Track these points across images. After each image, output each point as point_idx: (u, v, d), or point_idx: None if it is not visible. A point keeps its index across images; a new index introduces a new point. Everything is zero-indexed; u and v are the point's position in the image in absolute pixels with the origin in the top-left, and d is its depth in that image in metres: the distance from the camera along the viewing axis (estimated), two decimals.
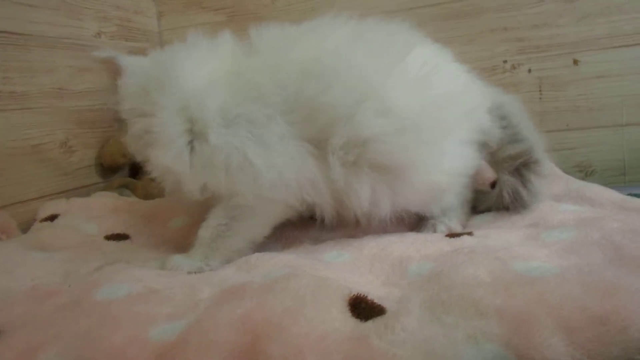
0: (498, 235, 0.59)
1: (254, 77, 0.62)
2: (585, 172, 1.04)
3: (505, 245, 0.53)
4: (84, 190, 1.00)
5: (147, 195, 1.01)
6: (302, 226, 0.71)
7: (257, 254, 0.59)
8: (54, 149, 0.95)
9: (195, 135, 0.61)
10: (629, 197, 0.68)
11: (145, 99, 0.63)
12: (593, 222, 0.55)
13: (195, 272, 0.57)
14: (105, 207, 0.87)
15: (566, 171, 1.02)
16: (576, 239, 0.52)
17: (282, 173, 0.60)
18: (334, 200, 0.63)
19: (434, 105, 0.61)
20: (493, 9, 1.04)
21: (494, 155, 0.71)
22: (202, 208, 0.64)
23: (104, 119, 1.07)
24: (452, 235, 0.62)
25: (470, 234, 0.62)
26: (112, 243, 0.71)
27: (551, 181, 0.78)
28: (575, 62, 1.02)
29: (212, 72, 0.64)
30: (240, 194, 0.60)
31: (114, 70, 0.68)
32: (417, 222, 0.72)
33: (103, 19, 1.09)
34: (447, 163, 0.64)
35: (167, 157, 0.61)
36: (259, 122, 0.60)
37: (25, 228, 0.82)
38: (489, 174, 0.78)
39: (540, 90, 1.05)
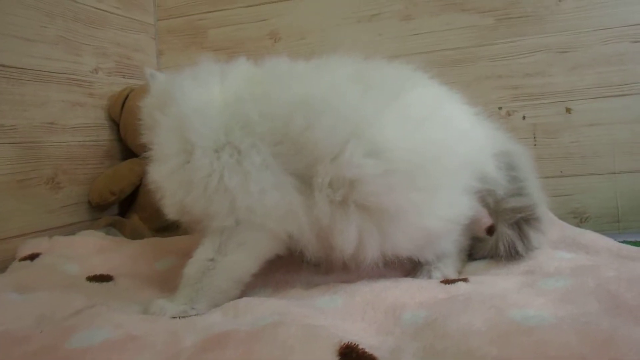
0: (494, 282, 0.59)
1: (245, 105, 0.62)
2: (580, 219, 1.05)
3: (501, 292, 0.52)
4: (69, 229, 0.97)
5: (135, 235, 1.00)
6: (293, 270, 0.70)
7: (245, 299, 0.57)
8: (40, 185, 0.93)
9: (188, 156, 0.62)
10: (624, 245, 0.68)
11: (152, 114, 0.67)
12: (589, 271, 0.55)
13: (179, 317, 0.55)
14: (90, 247, 0.85)
15: (561, 217, 1.03)
16: (572, 288, 0.51)
17: (261, 200, 0.59)
18: (317, 238, 0.62)
19: (428, 150, 0.59)
20: (487, 57, 1.08)
21: (495, 204, 0.70)
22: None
23: (95, 154, 1.06)
24: (447, 281, 0.61)
25: (465, 280, 0.61)
26: (94, 285, 0.69)
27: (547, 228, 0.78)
28: (568, 110, 1.04)
29: (213, 96, 0.64)
30: (217, 217, 0.60)
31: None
32: (412, 268, 0.71)
33: (102, 55, 1.10)
34: (441, 210, 0.62)
35: (159, 173, 0.62)
36: (242, 150, 0.60)
37: (3, 267, 0.79)
38: (486, 220, 0.77)
39: (534, 137, 1.06)
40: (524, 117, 1.07)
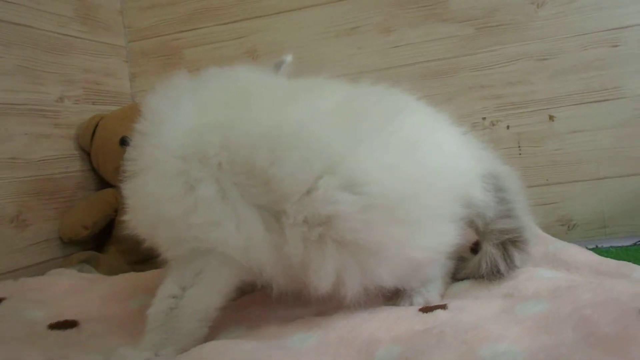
0: (472, 309, 0.58)
1: (205, 135, 0.59)
2: (567, 226, 1.06)
3: (477, 322, 0.52)
4: (39, 267, 0.95)
5: (112, 270, 0.97)
6: (269, 305, 0.68)
7: (212, 343, 0.55)
8: (3, 224, 0.90)
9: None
10: (605, 260, 0.70)
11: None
12: (566, 293, 0.56)
13: None
14: (59, 288, 0.83)
15: (548, 225, 1.05)
16: (548, 314, 0.52)
17: (210, 232, 0.56)
18: (285, 275, 0.59)
19: (408, 183, 0.57)
20: (469, 67, 1.09)
21: (484, 227, 0.69)
22: None
23: (66, 187, 1.04)
24: (426, 309, 0.60)
25: (444, 307, 0.60)
26: (55, 333, 0.66)
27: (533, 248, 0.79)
28: (551, 117, 1.05)
29: (178, 121, 0.61)
30: (162, 246, 0.60)
31: None
32: (394, 293, 0.68)
33: (67, 83, 1.07)
34: (425, 241, 0.60)
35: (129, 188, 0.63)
36: (196, 179, 0.57)
37: None
38: (469, 238, 0.76)
39: (519, 146, 1.07)
40: (508, 127, 1.08)
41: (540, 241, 0.79)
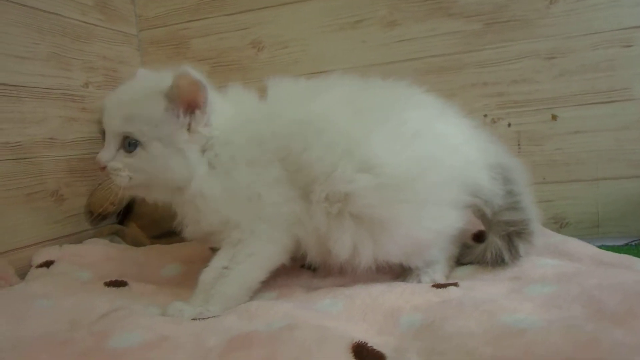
0: (483, 288, 0.65)
1: (260, 124, 0.72)
2: (560, 224, 1.10)
3: (491, 298, 0.58)
4: (75, 237, 1.05)
5: (136, 242, 1.08)
6: (294, 274, 0.78)
7: (256, 302, 0.64)
8: (46, 198, 1.01)
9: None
10: (606, 252, 0.74)
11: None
12: (572, 278, 0.61)
13: (197, 319, 0.62)
14: (98, 255, 0.93)
15: (542, 223, 1.10)
16: (557, 294, 0.57)
17: (278, 210, 0.70)
18: (317, 245, 0.70)
19: (415, 166, 0.67)
20: (473, 64, 1.11)
21: (492, 215, 0.75)
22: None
23: (92, 167, 1.14)
24: (438, 285, 0.67)
25: (456, 284, 0.67)
26: (112, 289, 0.76)
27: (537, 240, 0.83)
28: (554, 117, 1.09)
29: (234, 117, 0.74)
30: (240, 226, 0.70)
31: None
32: (401, 272, 0.78)
33: (90, 69, 1.15)
34: (429, 222, 0.69)
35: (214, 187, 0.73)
36: (262, 164, 0.70)
37: (21, 274, 0.87)
38: (472, 227, 0.84)
39: (519, 144, 1.11)
40: (509, 125, 1.11)
41: (542, 235, 0.83)
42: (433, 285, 0.68)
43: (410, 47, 1.15)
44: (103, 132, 0.72)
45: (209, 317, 0.62)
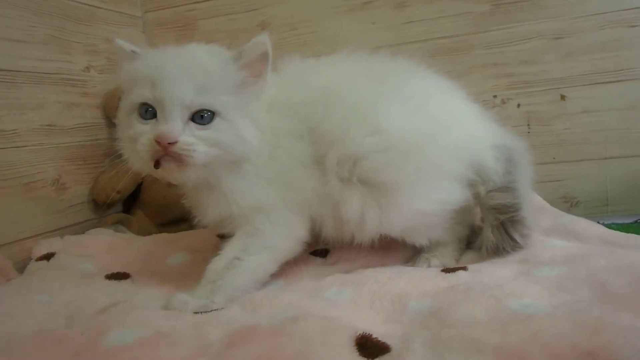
0: (491, 271, 0.65)
1: (290, 93, 0.73)
2: (570, 203, 1.12)
3: (498, 281, 0.59)
4: (78, 227, 1.04)
5: (142, 231, 1.08)
6: (302, 262, 0.78)
7: (260, 293, 0.64)
8: (46, 187, 0.99)
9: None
10: (614, 232, 0.75)
11: None
12: (580, 259, 0.61)
13: (200, 312, 0.62)
14: (101, 245, 0.92)
15: (552, 203, 1.10)
16: (565, 276, 0.58)
17: (305, 196, 0.72)
18: (333, 217, 0.72)
19: (424, 133, 0.69)
20: (482, 45, 1.12)
21: (485, 195, 0.75)
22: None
23: (95, 154, 1.12)
24: (447, 270, 0.68)
25: (464, 268, 0.67)
26: (113, 283, 0.75)
27: (539, 215, 0.85)
28: (563, 97, 1.10)
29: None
30: (265, 213, 0.70)
31: None
32: (411, 256, 0.80)
33: (92, 53, 1.13)
34: (431, 191, 0.70)
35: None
36: (297, 136, 0.71)
37: (20, 267, 0.86)
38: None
39: (528, 125, 1.13)
40: (518, 105, 1.13)
41: (548, 214, 0.87)
42: (442, 270, 0.68)
43: (419, 28, 1.17)
44: (145, 105, 0.65)
45: (212, 310, 0.62)
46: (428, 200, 0.71)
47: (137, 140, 0.65)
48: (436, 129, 0.71)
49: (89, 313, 0.63)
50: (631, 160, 1.10)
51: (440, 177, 0.71)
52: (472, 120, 0.77)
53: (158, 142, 0.62)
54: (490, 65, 1.15)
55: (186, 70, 0.65)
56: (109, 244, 0.94)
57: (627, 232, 0.97)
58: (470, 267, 0.69)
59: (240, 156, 0.69)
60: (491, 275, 0.64)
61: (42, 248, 0.92)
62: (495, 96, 1.15)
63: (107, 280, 0.76)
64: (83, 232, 1.03)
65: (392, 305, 0.59)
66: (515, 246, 0.72)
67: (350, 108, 0.70)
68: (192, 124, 0.65)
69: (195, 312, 0.62)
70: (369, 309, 0.59)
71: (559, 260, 0.64)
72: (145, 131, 0.65)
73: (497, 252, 0.73)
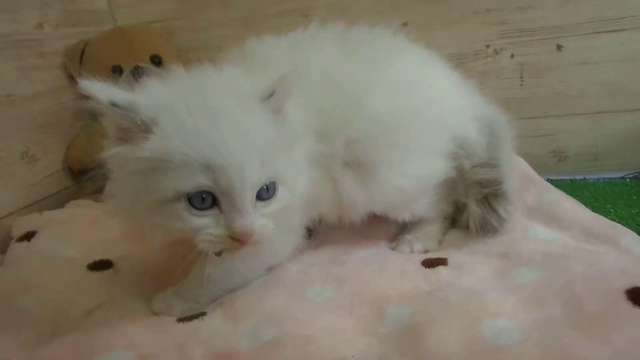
0: (471, 267, 0.68)
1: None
2: (558, 158, 1.13)
3: (477, 287, 0.62)
4: (57, 197, 1.04)
5: None
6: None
7: (242, 297, 0.66)
8: (15, 162, 0.98)
9: None
10: (597, 220, 0.76)
11: None
12: (558, 262, 0.64)
13: (184, 320, 0.64)
14: (82, 220, 0.93)
15: (540, 156, 1.14)
16: (541, 284, 0.60)
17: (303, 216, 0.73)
18: (334, 203, 0.74)
19: (404, 109, 0.71)
20: None
21: (469, 169, 0.77)
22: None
23: (63, 119, 1.08)
24: (427, 263, 0.70)
25: (444, 262, 0.70)
26: (96, 275, 0.75)
27: (525, 185, 0.88)
28: (559, 47, 1.07)
29: None
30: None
31: None
32: (396, 234, 0.82)
33: (42, 6, 1.05)
34: (413, 167, 0.73)
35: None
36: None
37: (3, 246, 0.88)
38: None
39: (521, 77, 1.11)
40: (512, 56, 1.10)
41: (533, 186, 0.88)
42: (423, 263, 0.70)
43: None
44: (208, 195, 0.55)
45: (195, 317, 0.64)
46: (410, 177, 0.73)
47: (193, 234, 0.56)
48: (419, 105, 0.72)
49: (75, 316, 0.65)
50: (624, 115, 1.10)
51: (423, 153, 0.74)
52: (454, 92, 0.78)
53: (237, 239, 0.55)
54: (484, 12, 1.10)
55: (245, 143, 0.54)
56: (90, 219, 0.94)
57: (613, 190, 1.00)
58: (451, 259, 0.71)
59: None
60: (471, 274, 0.66)
61: (22, 226, 0.92)
62: (487, 46, 1.12)
63: (90, 272, 0.76)
64: (62, 204, 1.03)
65: (370, 310, 0.62)
66: (500, 220, 0.75)
67: (346, 95, 0.71)
68: (257, 202, 0.57)
69: (179, 320, 0.64)
70: (348, 316, 0.61)
71: (538, 259, 0.66)
72: (206, 225, 0.55)
73: (484, 227, 0.75)
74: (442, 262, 0.70)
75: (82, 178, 1.12)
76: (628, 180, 1.06)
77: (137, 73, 1.04)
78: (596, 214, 0.79)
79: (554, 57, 1.09)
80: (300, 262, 0.75)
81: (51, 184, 1.06)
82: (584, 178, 1.08)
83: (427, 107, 0.73)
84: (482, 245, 0.74)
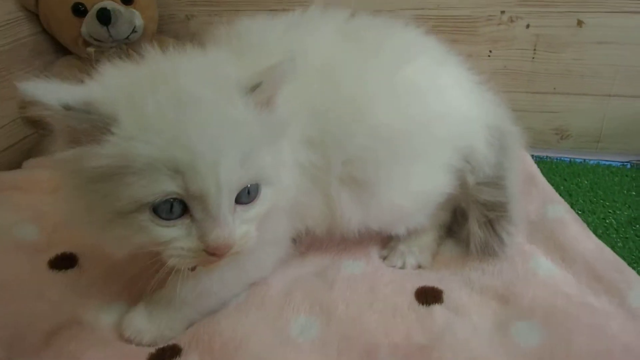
0: (467, 314, 0.64)
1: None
2: (560, 136, 1.11)
3: (473, 343, 0.59)
4: (16, 148, 0.96)
5: None
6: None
7: (221, 335, 0.60)
8: None
9: None
10: (602, 254, 0.73)
11: None
12: (562, 324, 0.61)
13: (156, 347, 0.60)
14: (43, 188, 0.85)
15: (542, 133, 1.11)
16: (542, 351, 0.58)
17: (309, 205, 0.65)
18: (325, 215, 0.68)
19: (409, 125, 0.65)
20: None
21: (472, 186, 0.73)
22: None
23: (19, 57, 0.97)
24: (422, 296, 0.67)
25: (440, 300, 0.66)
26: (57, 276, 0.69)
27: (528, 188, 0.85)
28: (580, 23, 1.00)
29: None
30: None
31: None
32: (388, 240, 0.79)
33: None
34: (414, 185, 0.68)
35: None
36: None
37: None
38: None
39: (534, 49, 1.04)
40: (527, 26, 1.03)
41: (538, 192, 0.85)
42: (417, 293, 0.67)
43: None
44: (178, 202, 0.48)
45: (170, 356, 0.59)
46: (410, 194, 0.69)
47: (160, 248, 0.50)
48: (427, 119, 0.66)
49: (33, 343, 0.59)
50: (635, 100, 1.06)
51: (427, 167, 0.69)
52: (466, 102, 0.71)
53: (212, 254, 0.49)
54: None
55: (220, 139, 0.47)
56: (52, 185, 0.83)
57: (613, 178, 0.97)
58: (447, 293, 0.67)
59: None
60: (467, 320, 0.63)
61: None
62: (503, 12, 1.03)
63: (51, 272, 0.70)
64: (20, 162, 0.95)
65: (359, 357, 0.59)
66: (502, 245, 0.72)
67: (348, 102, 0.63)
68: (237, 207, 0.51)
69: (151, 351, 0.59)
70: None
71: (539, 314, 0.63)
72: (175, 238, 0.49)
73: (485, 250, 0.72)
74: (437, 296, 0.67)
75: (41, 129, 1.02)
76: (628, 167, 1.04)
77: (104, 17, 0.92)
78: (600, 244, 0.76)
79: (573, 32, 1.02)
80: (284, 276, 0.71)
81: (8, 135, 0.96)
82: (584, 160, 1.06)
83: (436, 121, 0.67)
84: (479, 275, 0.71)
